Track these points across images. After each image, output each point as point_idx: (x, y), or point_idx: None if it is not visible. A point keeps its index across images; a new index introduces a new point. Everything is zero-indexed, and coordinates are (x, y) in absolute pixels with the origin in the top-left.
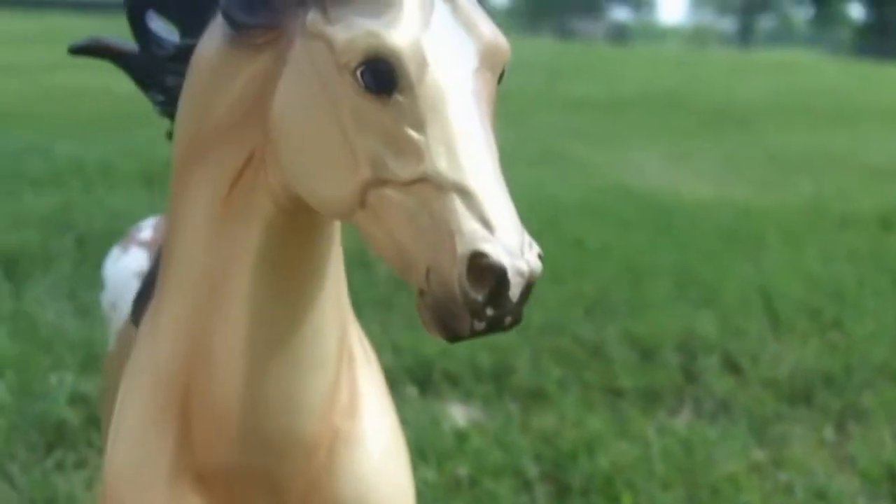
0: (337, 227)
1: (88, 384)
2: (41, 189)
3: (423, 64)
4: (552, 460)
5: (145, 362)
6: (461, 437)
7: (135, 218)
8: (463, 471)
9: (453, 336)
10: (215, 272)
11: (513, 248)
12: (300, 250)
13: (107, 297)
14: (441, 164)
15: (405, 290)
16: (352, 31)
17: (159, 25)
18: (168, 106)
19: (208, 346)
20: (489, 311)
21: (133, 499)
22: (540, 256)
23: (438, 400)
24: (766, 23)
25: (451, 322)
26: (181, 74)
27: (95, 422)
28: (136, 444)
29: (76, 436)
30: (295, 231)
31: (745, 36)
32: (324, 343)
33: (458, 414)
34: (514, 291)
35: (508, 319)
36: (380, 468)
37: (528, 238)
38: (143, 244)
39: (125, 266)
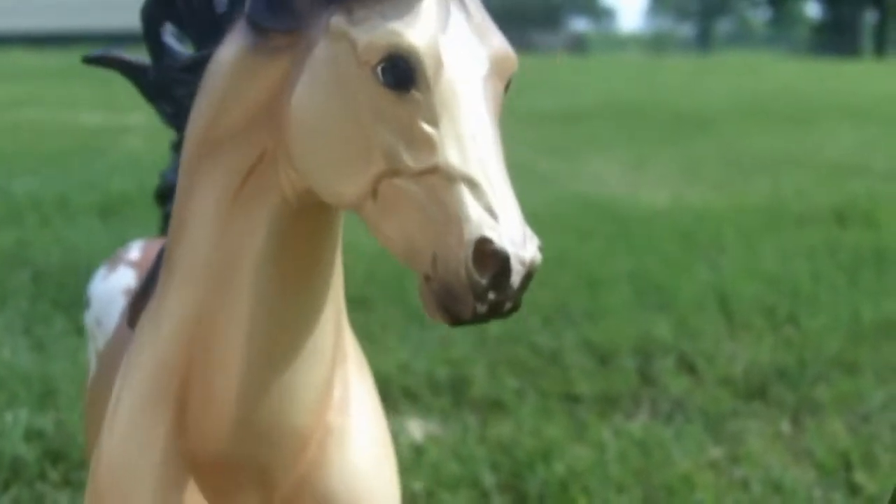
0: (339, 227)
1: (44, 420)
2: None
3: (439, 64)
4: (509, 469)
5: (145, 353)
6: (418, 451)
7: (92, 251)
8: (419, 485)
9: (456, 319)
10: (221, 264)
11: (515, 237)
12: (305, 247)
13: (91, 315)
14: (452, 156)
15: (362, 309)
16: (374, 31)
17: (172, 40)
18: (175, 117)
19: (210, 335)
20: (491, 295)
21: (125, 483)
22: (540, 249)
23: (396, 416)
24: (724, 26)
25: (454, 305)
26: (192, 85)
27: (51, 457)
28: (130, 430)
29: (32, 472)
30: (301, 227)
31: (704, 40)
32: (322, 338)
33: (416, 429)
34: (515, 278)
35: (508, 305)
36: (369, 464)
37: (529, 231)
38: (130, 263)
39: (112, 283)
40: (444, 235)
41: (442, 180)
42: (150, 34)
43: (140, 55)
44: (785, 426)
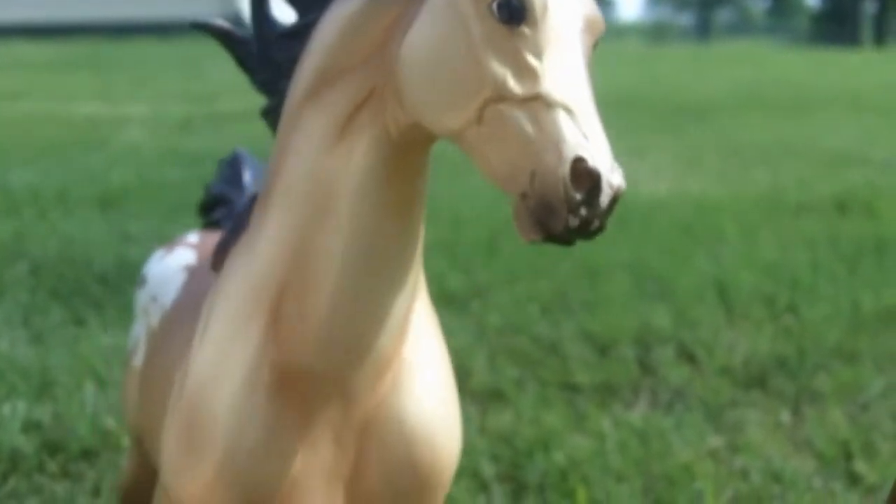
0: (429, 165)
1: (42, 411)
2: None
3: (545, 7)
4: (509, 459)
5: (241, 269)
6: None
7: (90, 243)
8: None
9: (549, 233)
10: (322, 191)
11: (606, 161)
12: (400, 179)
13: (146, 293)
14: (553, 86)
15: None
16: None
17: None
18: (271, 84)
19: (306, 256)
20: (583, 211)
21: (215, 387)
22: (624, 178)
23: None
24: (724, 16)
25: (549, 219)
26: (290, 50)
27: (49, 448)
28: (224, 338)
29: (30, 464)
30: (398, 161)
31: (704, 30)
32: (408, 272)
33: None
34: (605, 198)
35: (596, 224)
36: (436, 395)
37: (614, 162)
38: (190, 245)
39: (171, 262)
40: (543, 154)
41: (543, 106)
42: (256, 3)
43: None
44: (785, 416)
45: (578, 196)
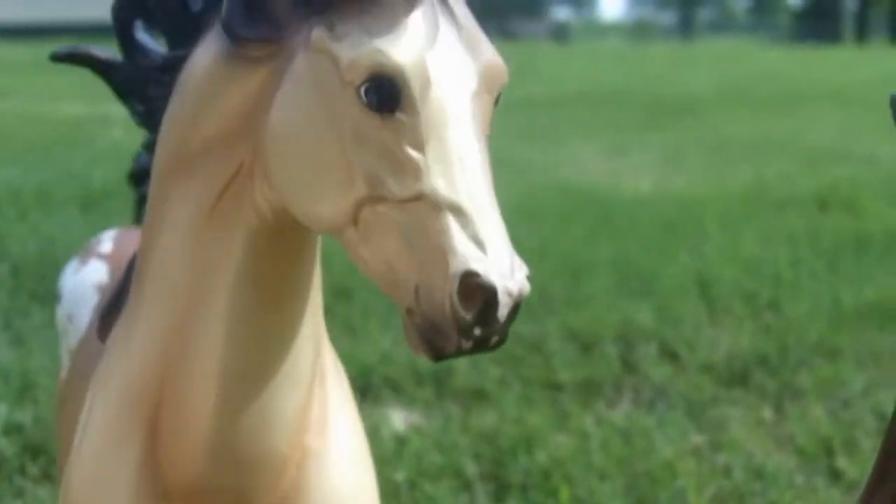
0: (317, 244)
1: (23, 414)
2: None
3: (426, 83)
4: (492, 458)
5: (114, 375)
6: (400, 441)
7: (71, 244)
8: (401, 475)
9: (439, 355)
10: (194, 285)
11: (503, 268)
12: (282, 266)
13: (63, 310)
14: (439, 183)
15: (344, 299)
16: (358, 49)
17: (145, 37)
18: (148, 117)
19: (183, 360)
20: (477, 331)
21: None
22: (528, 277)
23: (379, 406)
24: (706, 14)
25: (438, 341)
26: (165, 85)
27: (31, 451)
28: (100, 458)
29: (11, 466)
30: (277, 246)
31: (686, 28)
32: (300, 359)
33: (399, 419)
34: (503, 311)
35: (495, 339)
36: (349, 487)
37: (517, 259)
38: (102, 257)
39: (84, 278)
40: (428, 268)
41: (427, 208)
42: (122, 31)
43: (106, 49)
44: (767, 412)
45: (469, 317)
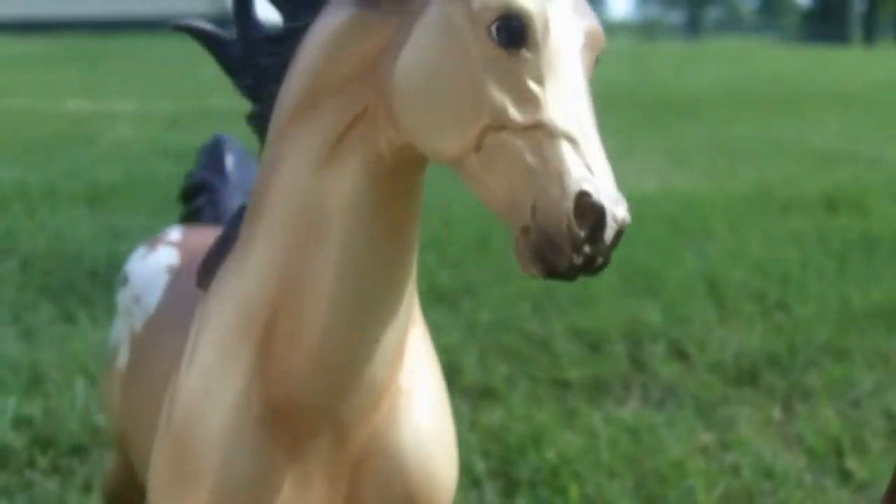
0: (423, 187)
1: (32, 407)
2: None
3: (547, 28)
4: (500, 456)
5: (229, 293)
6: None
7: (79, 239)
8: None
9: (551, 271)
10: (312, 215)
11: (611, 194)
12: (394, 203)
13: (129, 292)
14: (556, 114)
15: None
16: None
17: (258, 14)
18: (257, 89)
19: (297, 282)
20: (587, 248)
21: (202, 421)
22: (629, 210)
23: None
24: (713, 13)
25: (552, 256)
26: (277, 56)
27: (40, 444)
28: (209, 373)
29: (20, 459)
30: (392, 184)
31: (693, 28)
32: (402, 297)
33: None
34: (609, 233)
35: (600, 260)
36: (434, 427)
37: (619, 192)
38: (172, 244)
39: (154, 261)
40: (546, 187)
41: (546, 135)
42: (239, 5)
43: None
44: (776, 412)
45: (582, 233)
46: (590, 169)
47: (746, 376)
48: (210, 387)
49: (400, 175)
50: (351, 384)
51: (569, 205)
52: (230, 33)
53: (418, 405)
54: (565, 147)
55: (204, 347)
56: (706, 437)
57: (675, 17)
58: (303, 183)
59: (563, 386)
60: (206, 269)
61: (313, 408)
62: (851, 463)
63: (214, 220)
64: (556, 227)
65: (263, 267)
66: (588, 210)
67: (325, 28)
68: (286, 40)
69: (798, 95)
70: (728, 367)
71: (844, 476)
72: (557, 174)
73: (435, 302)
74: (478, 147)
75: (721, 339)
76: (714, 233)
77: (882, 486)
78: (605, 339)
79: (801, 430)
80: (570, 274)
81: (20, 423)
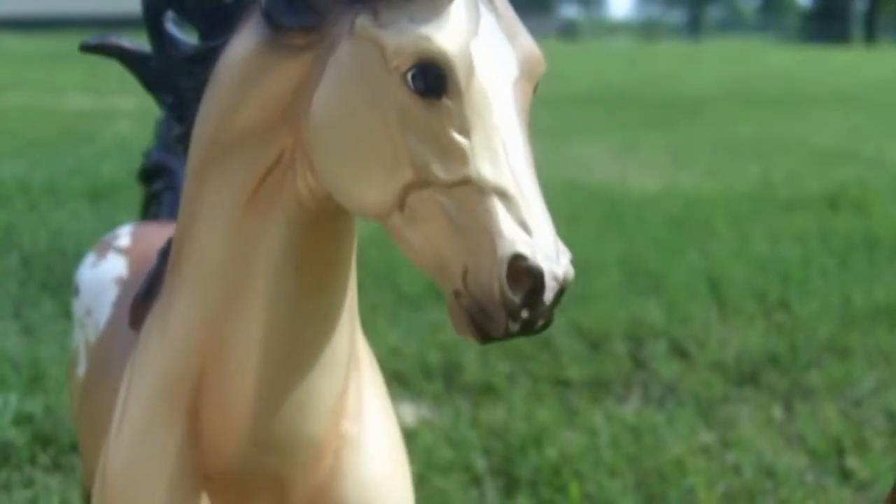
0: (354, 231)
1: (33, 404)
2: None
3: (470, 70)
4: (501, 454)
5: (152, 363)
6: (410, 435)
7: (80, 235)
8: (411, 470)
9: (486, 337)
10: (235, 269)
11: (549, 252)
12: (322, 253)
13: (81, 304)
14: (485, 167)
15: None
16: (404, 36)
17: (175, 29)
18: (178, 109)
19: (223, 343)
20: (524, 314)
21: (136, 498)
22: (571, 262)
23: None
24: (715, 13)
25: (485, 323)
26: (198, 77)
27: (41, 441)
28: (139, 446)
29: (22, 456)
30: (318, 233)
31: (695, 27)
32: (338, 346)
33: (408, 413)
34: (549, 295)
35: (541, 322)
36: (384, 473)
37: (561, 244)
38: (121, 251)
39: (103, 272)
40: (476, 250)
41: (474, 192)
42: (151, 21)
43: (135, 41)
44: (777, 411)
45: (517, 299)
46: (525, 226)
47: (747, 375)
48: (140, 462)
49: (327, 223)
50: (288, 444)
51: (502, 270)
52: (146, 49)
53: (366, 454)
54: (497, 204)
55: (131, 419)
56: (707, 436)
57: (676, 16)
58: (222, 237)
59: (564, 384)
60: (136, 312)
61: (251, 472)
62: (852, 462)
63: (173, 204)
64: (489, 295)
65: (185, 331)
66: (524, 274)
67: (233, 61)
68: (203, 61)
69: (800, 95)
70: (729, 366)
71: (845, 475)
72: (488, 236)
73: (435, 300)
74: (401, 206)
75: (722, 338)
76: (716, 232)
77: (883, 485)
78: (606, 337)
79: (802, 429)
80: (507, 338)
81: (21, 420)
